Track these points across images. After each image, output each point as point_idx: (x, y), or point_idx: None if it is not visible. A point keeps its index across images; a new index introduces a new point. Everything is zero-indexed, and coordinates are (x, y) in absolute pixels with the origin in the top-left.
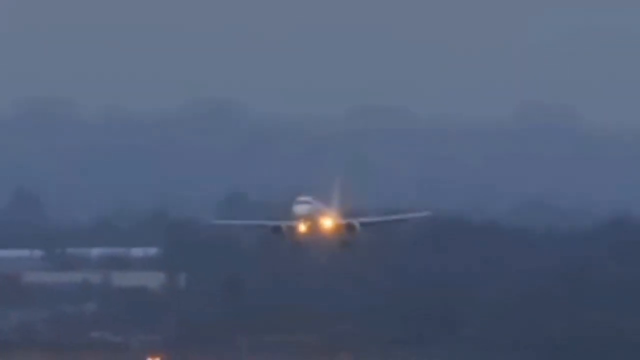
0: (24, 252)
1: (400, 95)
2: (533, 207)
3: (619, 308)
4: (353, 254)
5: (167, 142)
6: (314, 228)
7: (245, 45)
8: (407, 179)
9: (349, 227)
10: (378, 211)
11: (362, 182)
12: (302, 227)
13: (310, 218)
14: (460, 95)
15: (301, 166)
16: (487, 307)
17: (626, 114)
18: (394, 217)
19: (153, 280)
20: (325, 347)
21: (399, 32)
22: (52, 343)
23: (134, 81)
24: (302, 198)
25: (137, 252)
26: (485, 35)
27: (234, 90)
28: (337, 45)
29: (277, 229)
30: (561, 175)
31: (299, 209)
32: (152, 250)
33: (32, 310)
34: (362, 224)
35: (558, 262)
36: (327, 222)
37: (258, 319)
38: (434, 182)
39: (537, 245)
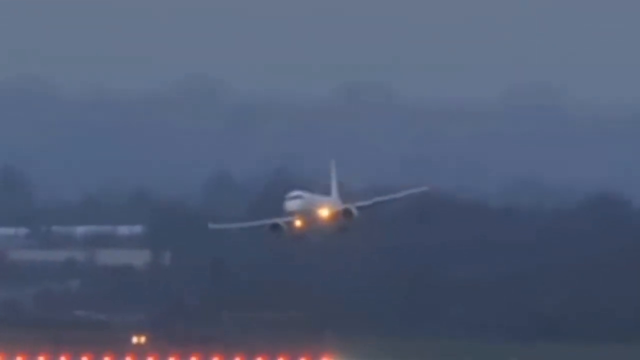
0: (9, 230)
1: (387, 73)
2: (520, 185)
3: (605, 283)
4: (342, 237)
5: (152, 121)
6: (311, 221)
7: (230, 23)
8: (394, 157)
9: (346, 213)
10: (365, 190)
11: (349, 161)
12: (298, 222)
13: (304, 212)
14: (448, 75)
15: (287, 145)
16: (475, 286)
17: (613, 93)
18: (391, 196)
19: (138, 258)
20: (310, 325)
21: (386, 10)
22: (37, 321)
23: (119, 60)
24: (293, 193)
25: (122, 230)
26: (474, 12)
27: (219, 69)
28: (323, 23)
29: (275, 227)
30: (548, 154)
31: (290, 204)
32: (138, 229)
33: (16, 288)
34: (359, 208)
35: (544, 240)
36: (324, 212)
37: (243, 297)
38: (421, 161)
39: (524, 223)
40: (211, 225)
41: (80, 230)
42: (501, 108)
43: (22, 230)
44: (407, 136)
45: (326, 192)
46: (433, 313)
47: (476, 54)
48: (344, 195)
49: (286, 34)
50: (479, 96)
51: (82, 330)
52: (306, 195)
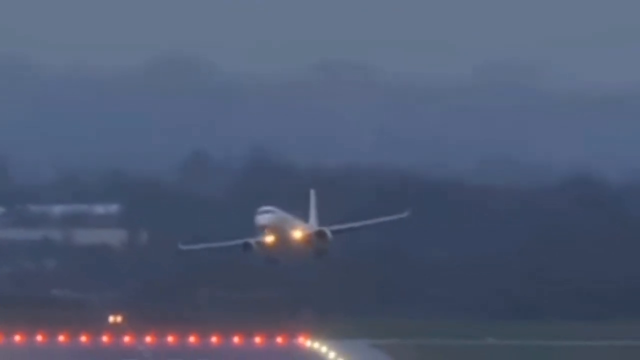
0: None
1: (364, 50)
2: (496, 164)
3: (582, 262)
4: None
5: (129, 99)
6: (282, 239)
7: (208, 1)
8: (369, 134)
9: (320, 235)
10: (338, 169)
11: (326, 138)
12: (269, 239)
13: (275, 228)
14: (425, 52)
15: (265, 123)
16: (451, 265)
17: (590, 70)
18: (366, 222)
19: (114, 237)
20: (287, 303)
21: None
22: (13, 299)
23: (96, 38)
24: (264, 208)
25: (98, 209)
26: None
27: (198, 47)
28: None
29: (247, 246)
30: (524, 132)
31: (262, 218)
32: (114, 208)
33: None
34: (335, 232)
35: (520, 218)
36: (297, 233)
37: (219, 276)
38: (396, 139)
39: (500, 202)
40: (181, 246)
41: (57, 209)
42: (477, 85)
43: None
44: (384, 113)
45: (304, 219)
46: (409, 293)
47: (452, 31)
48: (322, 221)
49: (265, 11)
50: (455, 73)
51: (58, 309)
52: (277, 210)
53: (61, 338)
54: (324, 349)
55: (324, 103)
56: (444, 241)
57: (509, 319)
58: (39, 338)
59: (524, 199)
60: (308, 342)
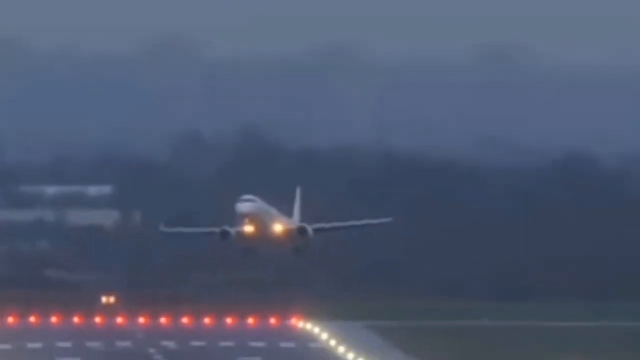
0: None
1: (357, 30)
2: (491, 143)
3: (576, 243)
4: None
5: (122, 80)
6: (262, 230)
7: None
8: (363, 115)
9: (302, 231)
10: (330, 150)
11: (319, 119)
12: (249, 229)
13: (255, 218)
14: (419, 32)
15: (258, 104)
16: (446, 246)
17: (585, 52)
18: (351, 222)
19: (108, 218)
20: (278, 283)
21: None
22: (6, 281)
23: (88, 18)
24: (246, 196)
25: (92, 190)
26: None
27: (190, 27)
28: None
29: (225, 234)
30: (517, 112)
31: (243, 207)
32: (107, 189)
33: None
34: (317, 230)
35: (513, 199)
36: (278, 227)
37: (213, 257)
38: (389, 119)
39: (493, 182)
40: (162, 229)
41: (50, 190)
42: (470, 65)
43: None
44: (377, 94)
45: (289, 215)
46: (404, 273)
47: (447, 10)
48: (306, 218)
49: None
50: (448, 52)
51: (51, 291)
52: (259, 201)
53: (54, 319)
54: (317, 330)
55: (317, 83)
56: (437, 221)
57: (505, 299)
58: (32, 319)
59: (520, 179)
60: (301, 324)
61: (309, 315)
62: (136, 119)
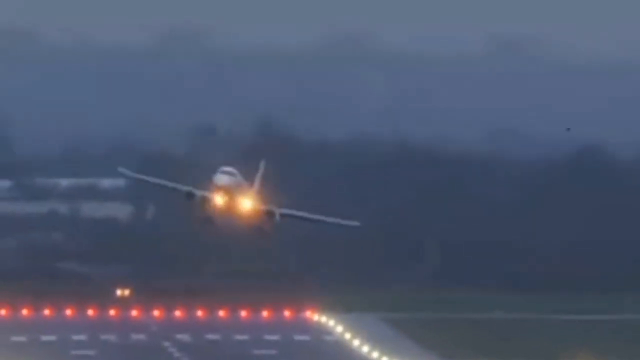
0: None
1: (370, 22)
2: (503, 134)
3: (591, 235)
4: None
5: (135, 71)
6: (231, 205)
7: None
8: (376, 105)
9: (269, 214)
10: (344, 141)
11: (332, 110)
12: (218, 200)
13: (229, 191)
14: (431, 24)
15: (272, 95)
16: (459, 238)
17: (599, 44)
18: (317, 216)
19: (122, 211)
20: (290, 275)
21: None
22: (20, 273)
23: (101, 8)
24: (226, 168)
25: (105, 182)
26: None
27: (204, 18)
28: None
29: (190, 195)
30: (530, 103)
31: (220, 178)
32: (121, 181)
33: None
34: (283, 215)
35: (527, 191)
36: (246, 203)
37: (226, 249)
38: (402, 110)
39: (506, 174)
40: (120, 169)
41: (64, 182)
42: (484, 57)
43: (5, 182)
44: (389, 85)
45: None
46: (416, 266)
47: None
48: (275, 201)
49: None
50: (461, 45)
51: (65, 283)
52: (238, 175)
53: (68, 312)
54: (331, 323)
55: (330, 74)
56: (449, 213)
57: (517, 292)
58: (46, 312)
59: (533, 171)
60: (315, 316)
61: (323, 308)
62: (150, 111)
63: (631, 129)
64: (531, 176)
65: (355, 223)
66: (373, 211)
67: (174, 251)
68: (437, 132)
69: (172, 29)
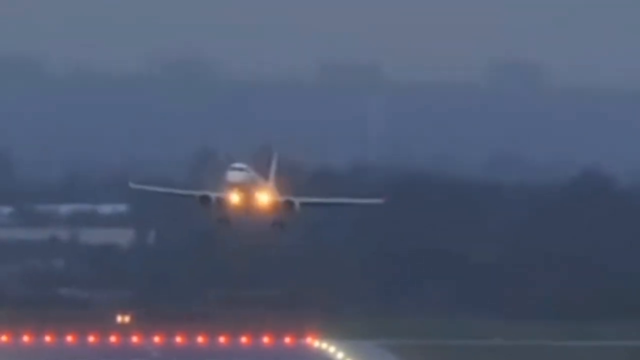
0: None
1: (371, 52)
2: (505, 161)
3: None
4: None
5: (136, 99)
6: (247, 201)
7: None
8: (377, 133)
9: (288, 205)
10: (346, 166)
11: (334, 137)
12: (235, 198)
13: (245, 188)
14: (432, 52)
15: (272, 123)
16: (460, 264)
17: (597, 70)
18: (340, 199)
19: (122, 236)
20: (292, 302)
21: None
22: (21, 299)
23: (103, 38)
24: (237, 165)
25: (106, 208)
26: None
27: (205, 47)
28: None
29: (205, 199)
30: (532, 130)
31: (233, 175)
32: (121, 207)
33: (0, 267)
34: (303, 204)
35: (529, 217)
36: (263, 197)
37: (228, 275)
38: (403, 138)
39: (509, 200)
40: (131, 184)
41: (64, 208)
42: (486, 85)
43: (6, 209)
44: (392, 113)
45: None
46: (417, 292)
47: (459, 31)
48: (288, 190)
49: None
50: (462, 72)
51: (66, 309)
52: (251, 170)
53: (69, 338)
54: (332, 350)
55: (332, 102)
56: (451, 239)
57: (518, 318)
58: (47, 338)
59: (533, 197)
60: (316, 343)
61: (324, 334)
62: (151, 138)
63: (631, 153)
64: (531, 201)
65: (379, 201)
66: (375, 239)
67: (175, 277)
68: (439, 158)
69: (173, 59)
